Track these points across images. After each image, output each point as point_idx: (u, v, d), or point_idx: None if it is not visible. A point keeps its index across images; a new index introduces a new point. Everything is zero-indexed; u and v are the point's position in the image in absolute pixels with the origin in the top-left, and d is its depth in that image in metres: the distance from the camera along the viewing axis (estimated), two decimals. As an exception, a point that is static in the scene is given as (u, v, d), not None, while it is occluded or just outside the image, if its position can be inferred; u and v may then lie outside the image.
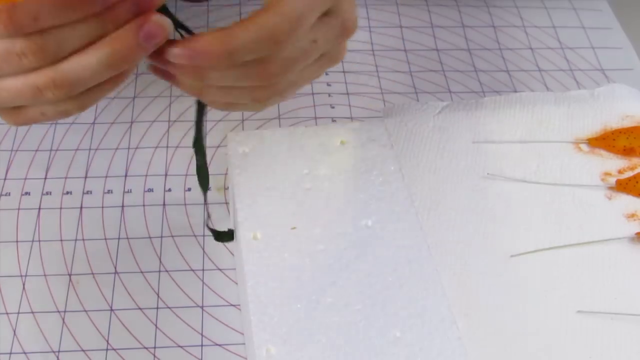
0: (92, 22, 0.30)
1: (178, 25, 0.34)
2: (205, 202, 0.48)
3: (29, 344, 0.45)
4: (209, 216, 0.48)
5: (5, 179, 0.53)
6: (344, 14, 0.36)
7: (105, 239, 0.50)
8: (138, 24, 0.30)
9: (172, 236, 0.51)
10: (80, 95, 0.32)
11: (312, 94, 0.62)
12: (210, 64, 0.32)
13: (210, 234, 0.50)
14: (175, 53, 0.32)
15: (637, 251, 0.48)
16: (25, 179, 0.53)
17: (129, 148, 0.57)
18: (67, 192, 0.53)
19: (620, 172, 0.52)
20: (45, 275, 0.48)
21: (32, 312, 0.46)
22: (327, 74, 0.63)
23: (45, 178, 0.54)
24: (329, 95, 0.62)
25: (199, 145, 0.44)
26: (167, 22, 0.31)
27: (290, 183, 0.48)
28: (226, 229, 0.48)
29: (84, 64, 0.30)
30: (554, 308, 0.45)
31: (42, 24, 0.28)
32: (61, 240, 0.50)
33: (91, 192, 0.53)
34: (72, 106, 0.32)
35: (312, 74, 0.38)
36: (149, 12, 0.30)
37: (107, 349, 0.45)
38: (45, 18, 0.28)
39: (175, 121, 0.58)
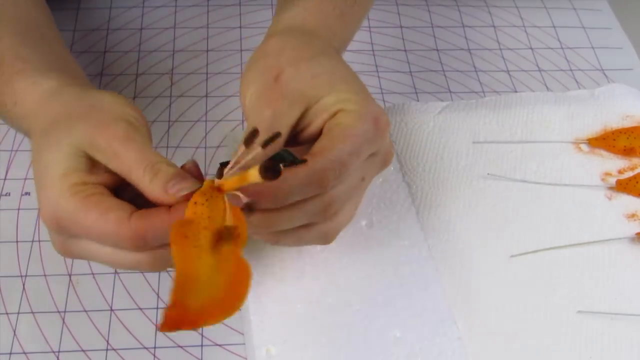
0: None
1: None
2: None
3: (29, 344, 0.45)
4: None
5: (5, 179, 0.53)
6: (385, 150, 0.39)
7: (105, 239, 0.50)
8: None
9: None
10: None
11: (312, 94, 0.62)
12: (262, 206, 0.34)
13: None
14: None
15: (637, 251, 0.48)
16: (25, 179, 0.53)
17: (129, 148, 0.56)
18: (67, 192, 0.53)
19: (620, 172, 0.52)
20: (45, 275, 0.48)
21: (32, 312, 0.46)
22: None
23: (45, 178, 0.54)
24: (329, 95, 0.62)
25: None
26: None
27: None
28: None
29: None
30: (554, 308, 0.45)
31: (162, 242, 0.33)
32: (61, 240, 0.50)
33: (91, 192, 0.53)
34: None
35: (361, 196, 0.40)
36: None
37: (107, 349, 0.45)
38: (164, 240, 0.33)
39: (175, 121, 0.58)
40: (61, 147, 0.35)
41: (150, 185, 0.33)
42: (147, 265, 0.35)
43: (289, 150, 0.36)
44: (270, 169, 0.29)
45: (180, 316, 0.27)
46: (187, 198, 0.33)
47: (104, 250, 0.34)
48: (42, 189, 0.35)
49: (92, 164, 0.35)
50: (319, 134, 0.38)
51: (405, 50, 0.66)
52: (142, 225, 0.32)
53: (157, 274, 0.49)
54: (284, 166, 0.32)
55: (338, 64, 0.40)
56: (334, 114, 0.37)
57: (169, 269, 0.44)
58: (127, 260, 0.34)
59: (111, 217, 0.33)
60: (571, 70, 0.66)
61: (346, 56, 0.65)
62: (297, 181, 0.33)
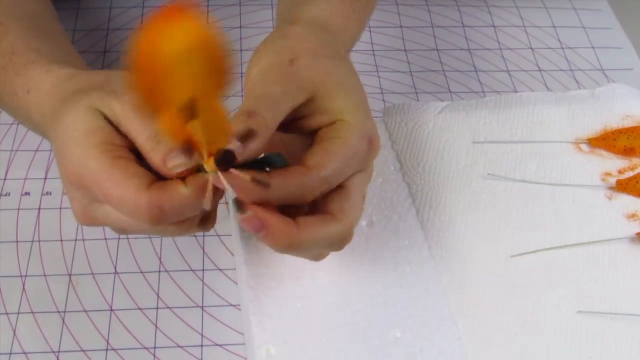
0: None
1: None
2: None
3: (29, 344, 0.45)
4: None
5: (5, 179, 0.53)
6: (370, 169, 0.40)
7: (105, 239, 0.50)
8: None
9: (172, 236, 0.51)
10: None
11: (312, 94, 0.62)
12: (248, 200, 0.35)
13: (209, 234, 0.50)
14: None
15: (637, 251, 0.48)
16: (25, 179, 0.53)
17: (129, 148, 0.56)
18: (67, 192, 0.53)
19: (620, 172, 0.52)
20: (45, 275, 0.48)
21: (32, 312, 0.46)
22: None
23: (45, 178, 0.54)
24: (329, 95, 0.62)
25: None
26: None
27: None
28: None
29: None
30: (554, 308, 0.45)
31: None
32: (61, 240, 0.50)
33: (91, 192, 0.53)
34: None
35: None
36: None
37: (107, 349, 0.45)
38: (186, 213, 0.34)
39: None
40: (80, 108, 0.35)
41: (150, 154, 0.34)
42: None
43: (282, 154, 0.36)
44: (223, 161, 0.31)
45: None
46: (185, 174, 0.33)
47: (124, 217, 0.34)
48: (66, 149, 0.35)
49: (113, 124, 0.35)
50: (312, 131, 0.38)
51: (405, 50, 0.66)
52: (160, 196, 0.32)
53: (157, 274, 0.49)
54: (270, 169, 0.33)
55: (351, 72, 0.40)
56: (333, 122, 0.37)
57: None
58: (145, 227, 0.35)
59: (133, 183, 0.32)
60: (571, 70, 0.66)
61: (346, 56, 0.65)
62: (285, 188, 0.34)
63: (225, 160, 0.31)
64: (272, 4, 0.69)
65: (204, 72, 0.27)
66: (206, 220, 0.38)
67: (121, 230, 0.38)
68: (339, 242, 0.37)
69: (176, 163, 0.33)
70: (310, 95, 0.37)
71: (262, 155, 0.36)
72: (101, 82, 0.38)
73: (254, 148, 0.33)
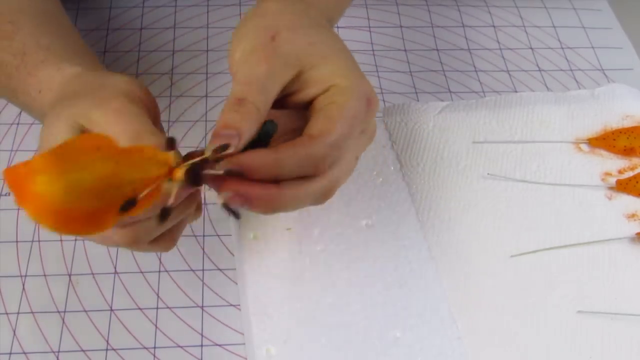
0: None
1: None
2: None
3: (29, 344, 0.45)
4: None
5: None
6: (372, 127, 0.39)
7: (105, 239, 0.50)
8: None
9: (172, 236, 0.51)
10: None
11: (312, 94, 0.62)
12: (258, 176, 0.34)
13: (209, 234, 0.50)
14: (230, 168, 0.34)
15: (637, 251, 0.48)
16: (25, 179, 0.53)
17: (129, 148, 0.56)
18: (67, 192, 0.53)
19: (620, 172, 0.52)
20: (45, 275, 0.48)
21: (32, 312, 0.46)
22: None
23: (45, 178, 0.54)
24: (329, 95, 0.62)
25: None
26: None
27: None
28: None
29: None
30: (554, 308, 0.45)
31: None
32: (61, 240, 0.50)
33: (91, 192, 0.53)
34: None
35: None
36: None
37: (107, 349, 0.45)
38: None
39: (175, 121, 0.58)
40: (59, 121, 0.36)
41: None
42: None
43: (274, 121, 0.36)
44: (192, 178, 0.31)
45: (24, 176, 0.27)
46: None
47: None
48: None
49: None
50: (307, 103, 0.37)
51: (405, 50, 0.66)
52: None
53: (157, 274, 0.49)
54: (269, 137, 0.34)
55: (335, 37, 0.40)
56: (327, 89, 0.36)
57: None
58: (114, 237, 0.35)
59: None
60: (571, 70, 0.66)
61: (346, 56, 0.65)
62: (294, 160, 0.34)
63: (194, 176, 0.31)
64: (272, 4, 0.68)
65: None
66: (165, 236, 0.38)
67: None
68: (321, 197, 0.36)
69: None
70: (298, 69, 0.37)
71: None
72: (94, 88, 0.38)
73: (247, 133, 0.33)
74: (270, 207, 0.34)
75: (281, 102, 0.37)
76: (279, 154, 0.33)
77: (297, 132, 0.36)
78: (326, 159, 0.35)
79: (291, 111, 0.38)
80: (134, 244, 0.36)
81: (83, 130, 0.35)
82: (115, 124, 0.35)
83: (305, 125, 0.36)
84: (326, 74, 0.37)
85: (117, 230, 0.35)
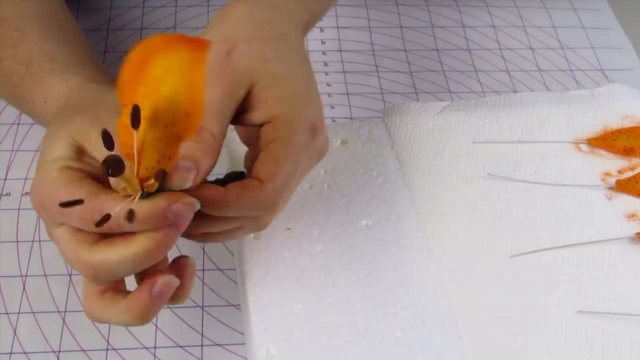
0: None
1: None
2: None
3: (29, 344, 0.45)
4: None
5: (5, 179, 0.53)
6: (319, 148, 0.39)
7: (106, 239, 0.50)
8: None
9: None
10: None
11: (312, 94, 0.62)
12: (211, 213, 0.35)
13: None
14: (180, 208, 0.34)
15: (637, 251, 0.48)
16: (26, 179, 0.53)
17: (129, 148, 0.56)
18: (67, 192, 0.53)
19: (620, 172, 0.52)
20: (45, 275, 0.48)
21: (33, 312, 0.46)
22: (327, 74, 0.63)
23: (46, 178, 0.54)
24: (329, 95, 0.62)
25: None
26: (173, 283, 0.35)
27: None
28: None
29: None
30: (554, 308, 0.45)
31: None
32: (61, 240, 0.50)
33: (91, 192, 0.53)
34: None
35: None
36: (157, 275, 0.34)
37: (107, 349, 0.45)
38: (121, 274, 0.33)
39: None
40: (56, 135, 0.36)
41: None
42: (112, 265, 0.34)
43: (244, 173, 0.37)
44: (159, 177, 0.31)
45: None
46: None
47: (70, 243, 0.34)
48: (35, 173, 0.36)
49: (81, 153, 0.35)
50: (254, 125, 0.38)
51: (405, 50, 0.66)
52: (106, 199, 0.32)
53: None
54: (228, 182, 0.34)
55: (292, 54, 0.40)
56: (274, 118, 0.37)
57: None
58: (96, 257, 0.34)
59: (81, 191, 0.32)
60: (571, 70, 0.66)
61: (346, 56, 0.65)
62: (242, 206, 0.35)
63: (160, 177, 0.31)
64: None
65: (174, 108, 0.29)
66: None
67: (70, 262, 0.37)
68: (272, 208, 0.37)
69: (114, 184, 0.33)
70: (250, 87, 0.37)
71: (226, 173, 0.37)
72: (94, 104, 0.38)
73: (206, 165, 0.34)
74: (217, 207, 0.35)
75: (235, 120, 0.38)
76: (228, 197, 0.34)
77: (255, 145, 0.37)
78: (277, 202, 0.36)
79: (246, 128, 0.39)
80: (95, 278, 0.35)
81: (80, 149, 0.35)
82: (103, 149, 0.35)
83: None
84: (272, 97, 0.37)
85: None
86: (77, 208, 0.31)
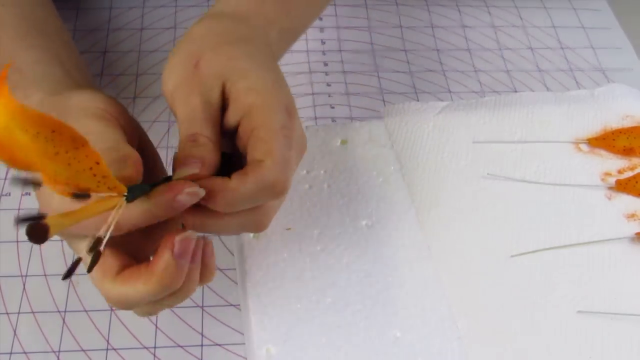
0: None
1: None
2: None
3: (29, 343, 0.45)
4: None
5: (5, 179, 0.53)
6: (298, 136, 0.39)
7: (106, 239, 0.50)
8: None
9: (172, 236, 0.51)
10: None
11: (312, 94, 0.61)
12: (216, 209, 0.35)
13: (209, 234, 0.50)
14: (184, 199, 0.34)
15: (637, 251, 0.48)
16: (26, 179, 0.53)
17: (129, 148, 0.56)
18: (67, 192, 0.53)
19: (620, 172, 0.52)
20: (45, 275, 0.48)
21: (33, 312, 0.46)
22: (327, 74, 0.63)
23: (46, 178, 0.54)
24: (329, 96, 0.62)
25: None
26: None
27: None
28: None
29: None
30: (554, 308, 0.45)
31: None
32: (61, 240, 0.50)
33: (91, 192, 0.53)
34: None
35: None
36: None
37: (107, 349, 0.45)
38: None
39: (175, 121, 0.58)
40: None
41: None
42: None
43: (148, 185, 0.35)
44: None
45: None
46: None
47: (97, 273, 0.34)
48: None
49: None
50: (234, 130, 0.38)
51: (405, 50, 0.66)
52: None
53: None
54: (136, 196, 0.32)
55: (255, 51, 0.40)
56: (248, 112, 0.37)
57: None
58: None
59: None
60: (571, 70, 0.66)
61: (346, 56, 0.65)
62: (255, 188, 0.34)
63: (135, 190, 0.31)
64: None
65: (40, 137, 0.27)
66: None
67: None
68: (280, 191, 0.36)
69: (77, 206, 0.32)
70: (221, 86, 0.37)
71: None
72: (58, 113, 0.37)
73: (210, 161, 0.34)
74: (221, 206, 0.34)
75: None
76: (233, 184, 0.34)
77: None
78: (277, 174, 0.35)
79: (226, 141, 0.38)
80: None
81: None
82: None
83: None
84: (243, 88, 0.37)
85: None
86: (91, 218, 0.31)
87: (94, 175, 0.29)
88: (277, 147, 0.35)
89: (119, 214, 0.31)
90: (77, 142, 0.27)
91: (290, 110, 0.37)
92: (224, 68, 0.37)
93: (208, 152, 0.35)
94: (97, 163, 0.28)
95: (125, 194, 0.31)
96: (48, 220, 0.27)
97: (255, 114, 0.36)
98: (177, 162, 0.35)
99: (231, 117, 0.37)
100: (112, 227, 0.30)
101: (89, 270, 0.31)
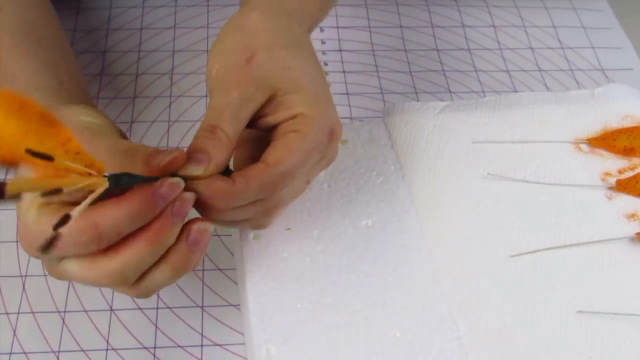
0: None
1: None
2: None
3: (29, 344, 0.45)
4: None
5: (5, 178, 0.53)
6: (331, 155, 0.40)
7: (105, 239, 0.50)
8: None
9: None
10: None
11: (312, 94, 0.62)
12: (216, 207, 0.36)
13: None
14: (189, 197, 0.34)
15: (637, 251, 0.48)
16: (25, 179, 0.53)
17: (129, 148, 0.56)
18: (67, 192, 0.53)
19: (620, 172, 0.52)
20: (45, 275, 0.48)
21: (33, 312, 0.46)
22: (327, 74, 0.63)
23: (45, 178, 0.54)
24: (329, 95, 0.62)
25: None
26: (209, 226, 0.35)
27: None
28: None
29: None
30: (554, 308, 0.45)
31: (122, 233, 0.32)
32: (61, 240, 0.50)
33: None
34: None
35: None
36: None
37: (107, 349, 0.45)
38: (124, 230, 0.32)
39: (175, 121, 0.58)
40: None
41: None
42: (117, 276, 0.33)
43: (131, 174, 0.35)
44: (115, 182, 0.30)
45: None
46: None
47: (82, 270, 0.33)
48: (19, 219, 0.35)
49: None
50: (270, 127, 0.38)
51: (405, 50, 0.66)
52: (98, 212, 0.31)
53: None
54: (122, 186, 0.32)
55: (310, 60, 0.40)
56: (294, 116, 0.37)
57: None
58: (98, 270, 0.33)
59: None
60: (571, 70, 0.66)
61: (346, 56, 0.65)
62: (250, 188, 0.35)
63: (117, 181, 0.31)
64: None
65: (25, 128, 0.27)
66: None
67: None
68: (263, 215, 0.38)
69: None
70: (271, 94, 0.38)
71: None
72: None
73: (218, 160, 0.35)
74: (215, 217, 0.36)
75: (252, 123, 0.38)
76: (235, 183, 0.35)
77: (254, 153, 0.38)
78: (278, 186, 0.36)
79: (257, 132, 0.39)
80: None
81: None
82: None
83: (260, 147, 0.37)
84: (295, 101, 0.38)
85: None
86: (70, 237, 0.31)
87: (66, 151, 0.29)
88: (292, 160, 0.36)
89: (97, 195, 0.30)
90: (46, 120, 0.28)
91: (333, 132, 0.38)
92: (278, 78, 0.38)
93: (220, 149, 0.35)
94: (69, 139, 0.28)
95: (106, 174, 0.30)
96: (8, 182, 0.27)
97: (300, 122, 0.37)
98: (188, 154, 0.35)
99: (276, 119, 0.38)
100: (83, 207, 0.29)
101: (43, 250, 0.29)
